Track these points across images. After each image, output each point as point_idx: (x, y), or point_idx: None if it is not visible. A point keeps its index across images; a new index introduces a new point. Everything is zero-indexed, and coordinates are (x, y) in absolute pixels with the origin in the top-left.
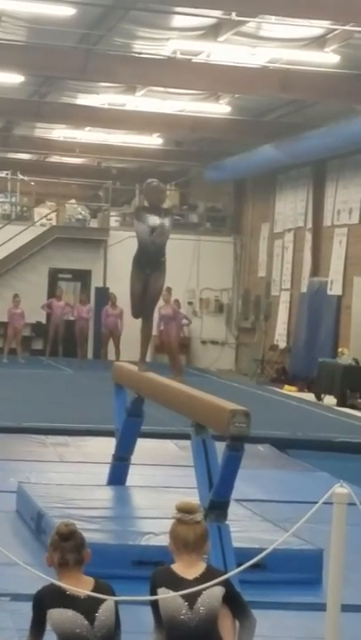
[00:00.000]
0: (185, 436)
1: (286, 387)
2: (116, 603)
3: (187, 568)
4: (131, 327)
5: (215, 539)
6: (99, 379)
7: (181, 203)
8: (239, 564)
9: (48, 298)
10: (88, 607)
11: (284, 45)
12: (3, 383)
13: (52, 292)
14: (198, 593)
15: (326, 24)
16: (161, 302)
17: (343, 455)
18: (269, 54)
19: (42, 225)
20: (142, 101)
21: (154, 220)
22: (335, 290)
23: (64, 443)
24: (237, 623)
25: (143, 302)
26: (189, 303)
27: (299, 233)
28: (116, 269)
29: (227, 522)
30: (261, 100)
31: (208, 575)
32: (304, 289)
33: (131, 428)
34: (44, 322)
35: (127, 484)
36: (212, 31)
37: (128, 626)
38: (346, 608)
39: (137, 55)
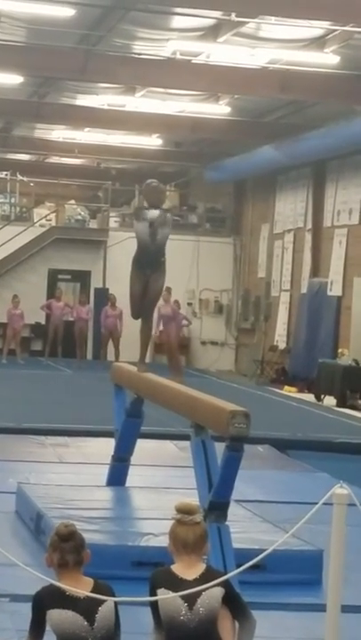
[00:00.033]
0: (185, 437)
1: (286, 387)
2: (116, 603)
3: (186, 569)
4: (130, 328)
5: (215, 539)
6: (98, 379)
7: (181, 203)
8: (239, 565)
9: (47, 298)
10: (88, 608)
11: (283, 46)
12: (2, 384)
13: (52, 292)
14: (198, 594)
15: (326, 25)
16: (160, 302)
17: (343, 456)
18: (269, 55)
19: (41, 226)
20: (142, 102)
21: (153, 213)
22: (335, 290)
23: (63, 443)
24: (237, 624)
25: (143, 303)
26: (189, 304)
27: (299, 234)
28: (116, 270)
29: (226, 523)
30: (261, 100)
31: (208, 576)
32: (304, 290)
33: (130, 428)
34: (43, 322)
35: (127, 484)
36: (212, 32)
37: (128, 626)
38: (346, 609)
39: (136, 56)
